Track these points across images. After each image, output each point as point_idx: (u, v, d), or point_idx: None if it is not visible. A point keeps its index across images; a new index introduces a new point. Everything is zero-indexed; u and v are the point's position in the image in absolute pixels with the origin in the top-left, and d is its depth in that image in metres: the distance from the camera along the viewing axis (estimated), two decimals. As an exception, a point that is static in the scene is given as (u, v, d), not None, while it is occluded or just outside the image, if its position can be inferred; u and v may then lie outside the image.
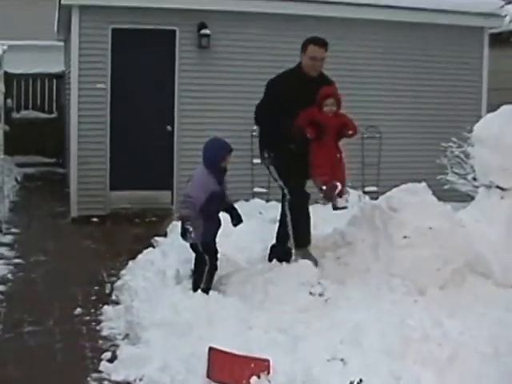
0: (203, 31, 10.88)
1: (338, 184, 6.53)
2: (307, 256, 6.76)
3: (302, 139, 6.58)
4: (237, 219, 6.52)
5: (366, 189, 11.59)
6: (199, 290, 6.12)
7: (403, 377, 4.56)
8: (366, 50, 11.76)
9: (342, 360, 4.81)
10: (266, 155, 7.17)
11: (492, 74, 12.79)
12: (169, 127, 11.09)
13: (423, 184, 6.83)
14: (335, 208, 6.66)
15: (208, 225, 6.23)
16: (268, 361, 4.75)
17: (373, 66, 11.79)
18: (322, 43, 6.94)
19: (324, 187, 6.57)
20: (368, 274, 6.42)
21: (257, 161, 10.37)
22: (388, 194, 6.86)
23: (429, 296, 6.08)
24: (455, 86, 12.15)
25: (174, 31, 11.02)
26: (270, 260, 6.91)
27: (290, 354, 4.94)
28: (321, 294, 6.29)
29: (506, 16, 11.26)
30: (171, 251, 7.50)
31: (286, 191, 6.98)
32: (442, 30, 12.10)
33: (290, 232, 6.91)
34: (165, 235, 8.59)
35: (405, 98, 12.14)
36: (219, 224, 6.41)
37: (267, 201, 10.36)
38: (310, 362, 4.76)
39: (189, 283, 6.37)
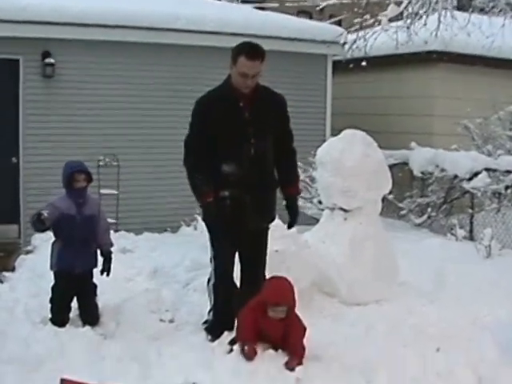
0: (47, 60, 10.69)
1: None
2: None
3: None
4: (104, 269, 6.38)
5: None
6: (49, 322, 6.04)
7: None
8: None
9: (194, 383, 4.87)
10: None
11: (335, 100, 13.23)
12: (14, 159, 10.83)
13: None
14: None
15: (67, 251, 6.13)
16: (120, 389, 4.74)
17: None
18: (255, 55, 5.50)
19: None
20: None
21: (104, 191, 10.39)
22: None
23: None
24: (300, 112, 12.33)
25: (18, 60, 10.77)
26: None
27: (143, 381, 4.93)
28: (171, 321, 6.39)
29: (345, 44, 11.73)
30: (19, 285, 7.39)
31: (211, 267, 6.00)
32: (286, 57, 12.26)
33: (212, 310, 6.03)
34: (13, 270, 8.39)
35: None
36: (88, 257, 6.28)
37: (116, 231, 10.28)
38: (162, 388, 4.79)
39: (38, 316, 6.25)
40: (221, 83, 5.80)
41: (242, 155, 5.64)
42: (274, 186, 5.92)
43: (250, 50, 5.53)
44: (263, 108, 5.70)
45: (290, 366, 5.17)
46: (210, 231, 5.89)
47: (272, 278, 5.60)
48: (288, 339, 5.37)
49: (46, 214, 5.87)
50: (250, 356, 5.25)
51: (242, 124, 5.63)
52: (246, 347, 5.29)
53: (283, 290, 5.41)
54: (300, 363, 5.22)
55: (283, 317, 5.37)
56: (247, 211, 5.68)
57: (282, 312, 5.34)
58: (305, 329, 5.42)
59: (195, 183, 5.68)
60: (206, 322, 6.07)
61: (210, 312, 6.05)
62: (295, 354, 5.26)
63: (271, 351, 5.30)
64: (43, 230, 6.19)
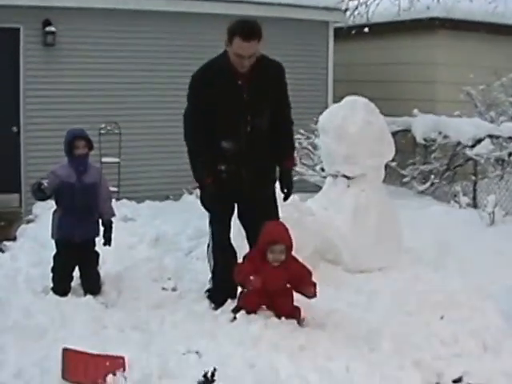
0: (48, 28, 10.61)
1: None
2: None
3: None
4: (105, 239, 6.38)
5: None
6: (50, 291, 6.05)
7: (257, 364, 4.63)
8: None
9: (197, 352, 4.85)
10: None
11: (337, 67, 13.13)
12: (14, 128, 10.77)
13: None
14: None
15: (67, 220, 6.11)
16: (123, 358, 4.69)
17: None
18: (251, 35, 5.28)
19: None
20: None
21: (106, 160, 10.35)
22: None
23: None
24: (301, 79, 12.28)
25: (18, 29, 10.68)
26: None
27: (146, 350, 4.89)
28: (173, 289, 6.40)
29: (346, 10, 11.63)
30: (21, 255, 7.37)
31: (209, 234, 6.02)
32: (287, 24, 12.20)
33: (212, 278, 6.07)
34: (14, 239, 8.37)
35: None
36: (89, 226, 6.24)
37: (117, 199, 10.26)
38: (165, 357, 4.75)
39: (40, 285, 6.24)
40: (218, 56, 5.66)
41: (239, 132, 5.63)
42: (272, 158, 5.88)
43: (245, 30, 5.31)
44: (261, 83, 5.60)
45: (308, 294, 5.32)
46: (206, 208, 5.89)
47: (266, 223, 5.56)
48: (295, 279, 5.39)
49: (45, 184, 5.85)
50: (257, 283, 5.23)
51: (240, 102, 5.56)
52: (251, 277, 5.23)
53: (279, 229, 5.41)
54: (316, 290, 5.32)
55: (282, 259, 5.33)
56: (244, 183, 5.71)
57: (280, 253, 5.31)
58: (310, 272, 5.44)
59: (195, 165, 5.72)
60: (208, 291, 6.07)
61: (211, 280, 6.06)
62: (308, 284, 5.34)
63: (274, 319, 5.28)
64: (44, 199, 6.18)
